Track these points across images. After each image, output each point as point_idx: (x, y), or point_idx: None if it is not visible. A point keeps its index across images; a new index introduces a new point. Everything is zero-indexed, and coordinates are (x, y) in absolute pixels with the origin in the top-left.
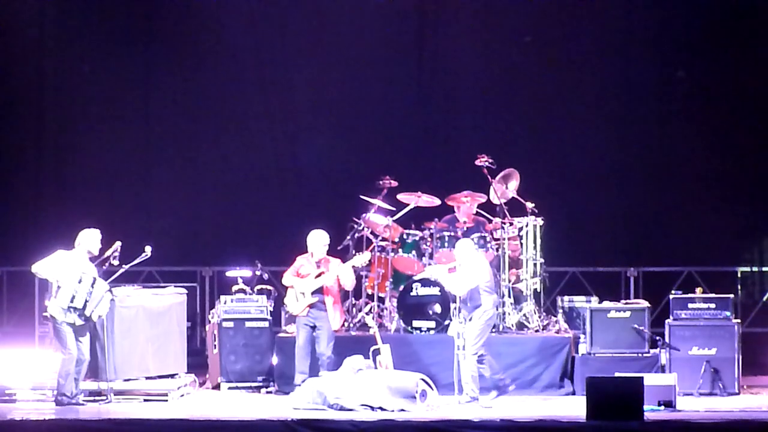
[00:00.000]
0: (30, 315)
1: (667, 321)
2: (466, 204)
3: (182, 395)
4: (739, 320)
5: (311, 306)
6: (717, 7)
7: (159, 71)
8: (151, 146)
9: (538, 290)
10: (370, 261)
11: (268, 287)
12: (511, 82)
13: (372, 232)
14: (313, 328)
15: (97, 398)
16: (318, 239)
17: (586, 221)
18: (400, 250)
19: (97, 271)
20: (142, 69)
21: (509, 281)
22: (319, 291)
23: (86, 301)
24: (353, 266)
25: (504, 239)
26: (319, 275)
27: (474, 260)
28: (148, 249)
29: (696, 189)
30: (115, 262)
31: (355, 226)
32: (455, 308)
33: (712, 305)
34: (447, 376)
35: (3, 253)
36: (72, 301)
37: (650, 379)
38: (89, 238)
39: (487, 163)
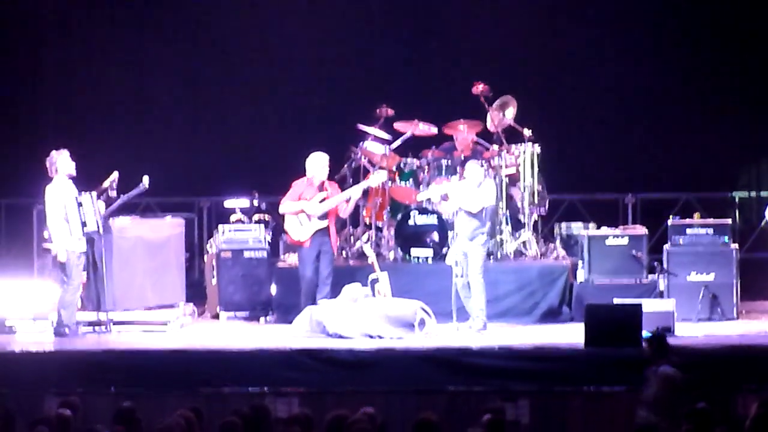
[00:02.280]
0: (29, 246)
1: (665, 247)
2: (462, 132)
3: (181, 325)
4: (737, 245)
5: (317, 231)
6: None
7: (158, 6)
8: (150, 77)
9: (536, 218)
10: (366, 191)
11: (266, 217)
12: (506, 8)
13: (369, 161)
14: (318, 255)
15: (96, 329)
16: (318, 161)
17: (583, 148)
18: (397, 178)
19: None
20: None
21: (506, 209)
22: (325, 216)
23: (96, 221)
24: (370, 186)
25: (501, 167)
26: (323, 199)
27: (487, 180)
28: (145, 180)
29: (693, 114)
30: (113, 193)
31: (352, 155)
32: (453, 236)
33: (711, 231)
34: (445, 305)
35: (1, 185)
36: (85, 226)
37: (649, 305)
38: (63, 161)
39: (483, 91)
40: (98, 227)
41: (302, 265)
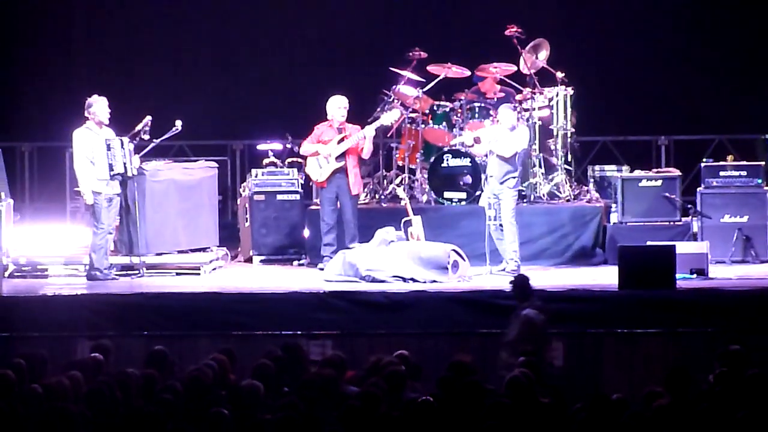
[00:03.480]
0: (61, 190)
1: (698, 189)
2: (495, 74)
3: (214, 269)
4: None
5: (335, 172)
6: None
7: None
8: (181, 20)
9: (569, 160)
10: (401, 132)
11: (299, 160)
12: None
13: (402, 104)
14: (337, 197)
15: (129, 272)
16: (337, 102)
17: (616, 90)
18: (430, 121)
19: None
20: None
21: (539, 151)
22: (342, 156)
23: (125, 164)
24: (383, 124)
25: (534, 109)
26: (342, 140)
27: (521, 125)
28: (178, 123)
29: (726, 56)
30: (146, 137)
31: (385, 98)
32: (485, 179)
33: (744, 173)
34: (479, 247)
35: (33, 129)
36: (112, 169)
37: (682, 248)
38: (97, 107)
39: (516, 34)
40: (125, 170)
41: (321, 205)
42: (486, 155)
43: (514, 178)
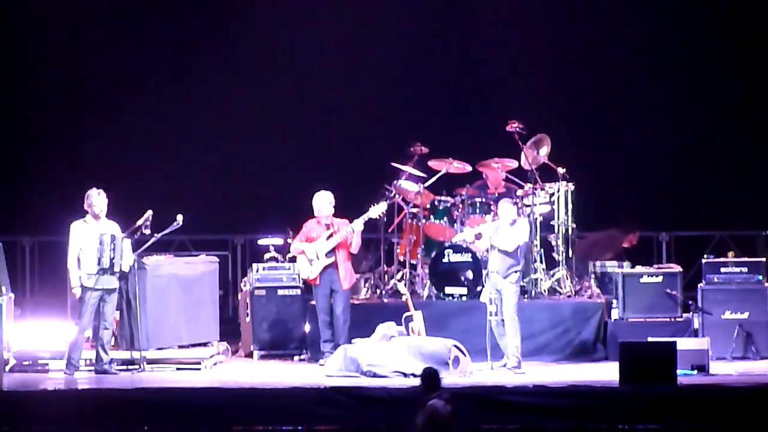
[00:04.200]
0: (62, 285)
1: (699, 285)
2: (496, 170)
3: (215, 363)
4: None
5: (326, 268)
6: None
7: (192, 42)
8: (183, 116)
9: (570, 255)
10: (402, 227)
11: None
12: (540, 48)
13: (403, 199)
14: (331, 292)
15: (130, 367)
16: (322, 198)
17: (617, 186)
18: (431, 216)
19: (121, 230)
20: (176, 38)
21: (540, 247)
22: (332, 252)
23: (111, 258)
24: (371, 217)
25: (535, 205)
26: (330, 236)
27: (521, 219)
28: (179, 218)
29: (727, 152)
30: (147, 231)
31: (387, 193)
32: (486, 274)
33: (745, 269)
34: (479, 343)
35: (34, 223)
36: (99, 264)
37: (683, 344)
38: (93, 200)
39: (517, 129)
40: (111, 266)
41: (316, 302)
42: (487, 250)
43: (516, 272)
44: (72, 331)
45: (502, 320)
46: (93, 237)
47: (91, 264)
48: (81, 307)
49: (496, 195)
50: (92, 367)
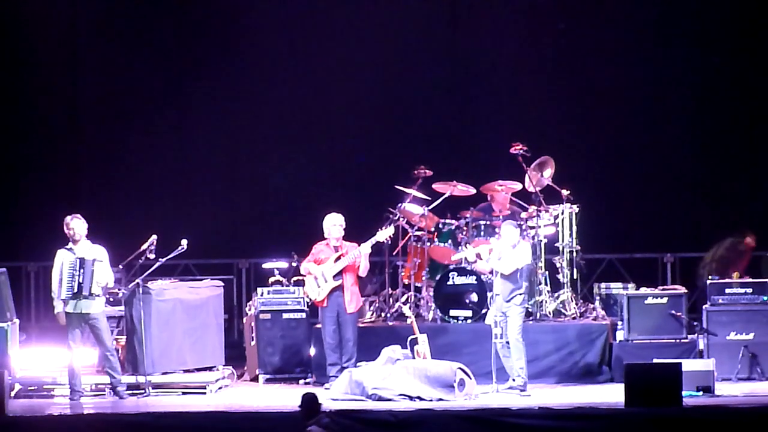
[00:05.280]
0: None
1: (704, 306)
2: (501, 192)
3: (220, 388)
4: None
5: (333, 291)
6: None
7: (196, 67)
8: (187, 140)
9: (575, 277)
10: (407, 250)
11: (304, 278)
12: (544, 70)
13: (408, 222)
14: (337, 315)
15: (135, 392)
16: (332, 220)
17: (621, 208)
18: (436, 239)
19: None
20: (179, 64)
21: (545, 269)
22: (339, 275)
23: (80, 282)
24: (378, 241)
25: (539, 227)
26: (338, 258)
27: (522, 241)
28: (184, 242)
29: (732, 173)
30: (152, 256)
31: (391, 216)
32: (491, 297)
33: (749, 290)
34: (485, 365)
35: (36, 249)
36: (69, 290)
37: (688, 365)
38: (72, 224)
39: (522, 151)
40: (80, 290)
41: (322, 325)
42: (492, 273)
43: (520, 294)
44: (67, 358)
45: (507, 342)
46: (69, 262)
47: (63, 290)
48: (68, 333)
49: (501, 217)
50: (98, 392)
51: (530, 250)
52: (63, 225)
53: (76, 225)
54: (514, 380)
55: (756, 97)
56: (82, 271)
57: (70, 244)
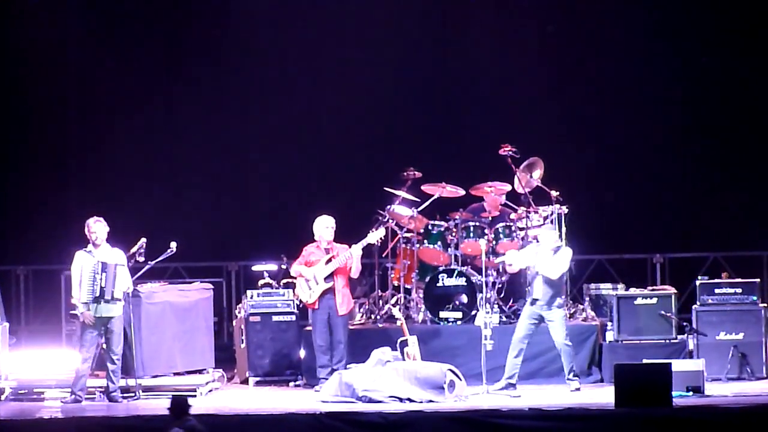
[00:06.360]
0: (57, 313)
1: (694, 307)
2: (490, 194)
3: (210, 390)
4: (765, 305)
5: (325, 293)
6: None
7: (183, 68)
8: (176, 143)
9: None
10: (396, 252)
11: (294, 281)
12: (533, 72)
13: (397, 224)
14: (328, 317)
15: (125, 395)
16: (322, 223)
17: (611, 208)
18: (425, 241)
19: (126, 259)
20: (166, 65)
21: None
22: (330, 277)
23: (102, 287)
24: (369, 243)
25: (529, 228)
26: (329, 260)
27: (564, 247)
28: (173, 245)
29: (720, 174)
30: (141, 259)
31: (380, 218)
32: (481, 299)
33: (739, 290)
34: (475, 367)
35: (29, 253)
36: (91, 294)
37: (678, 365)
38: (92, 228)
39: (510, 153)
40: (102, 294)
41: (313, 327)
42: (533, 276)
43: (560, 298)
44: (77, 361)
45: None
46: (89, 266)
47: (85, 292)
48: (83, 336)
49: (490, 218)
50: (89, 395)
51: (571, 254)
52: (84, 227)
53: (98, 228)
54: (567, 382)
55: (746, 98)
56: (104, 275)
57: (90, 247)
